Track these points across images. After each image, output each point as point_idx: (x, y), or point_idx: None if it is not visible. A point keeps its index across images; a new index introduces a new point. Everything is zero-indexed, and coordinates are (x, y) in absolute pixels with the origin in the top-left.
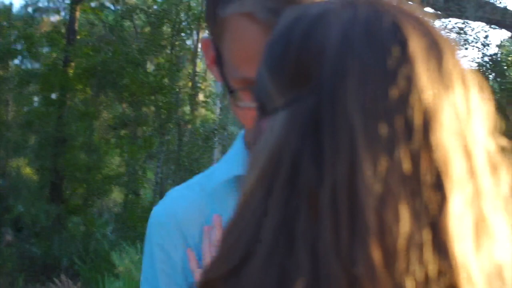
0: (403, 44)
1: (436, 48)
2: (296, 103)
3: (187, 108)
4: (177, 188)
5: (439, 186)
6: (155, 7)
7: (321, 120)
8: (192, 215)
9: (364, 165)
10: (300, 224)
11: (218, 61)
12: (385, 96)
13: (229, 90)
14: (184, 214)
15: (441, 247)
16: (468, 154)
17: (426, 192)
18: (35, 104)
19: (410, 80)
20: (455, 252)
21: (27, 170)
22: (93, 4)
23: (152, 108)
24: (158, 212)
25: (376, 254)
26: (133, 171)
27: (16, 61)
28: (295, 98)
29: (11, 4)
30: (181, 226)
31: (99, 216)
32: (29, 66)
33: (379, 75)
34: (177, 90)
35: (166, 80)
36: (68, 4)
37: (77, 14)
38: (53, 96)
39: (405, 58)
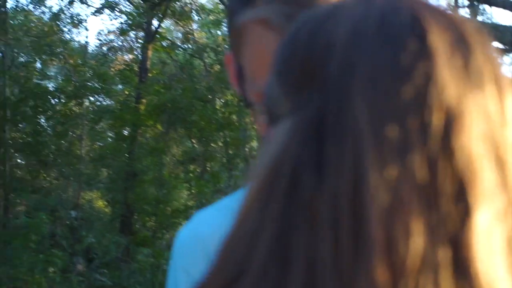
0: (422, 38)
1: (464, 43)
2: (301, 107)
3: (254, 144)
4: (205, 210)
5: (462, 197)
6: (224, 46)
7: (325, 124)
8: (219, 239)
9: (370, 172)
10: (297, 238)
11: (239, 75)
12: (398, 95)
13: (249, 104)
14: (211, 237)
15: (463, 267)
16: (500, 163)
17: (445, 204)
18: (108, 139)
19: (429, 77)
20: (479, 273)
21: (99, 203)
22: (164, 44)
23: (220, 144)
24: (184, 235)
25: (381, 274)
26: (201, 205)
27: (91, 98)
28: (299, 102)
29: (87, 43)
30: (207, 250)
31: (167, 248)
32: (102, 102)
33: (393, 71)
34: (245, 126)
35: (234, 117)
36: (141, 43)
37: (149, 53)
38: (125, 132)
39: (424, 53)
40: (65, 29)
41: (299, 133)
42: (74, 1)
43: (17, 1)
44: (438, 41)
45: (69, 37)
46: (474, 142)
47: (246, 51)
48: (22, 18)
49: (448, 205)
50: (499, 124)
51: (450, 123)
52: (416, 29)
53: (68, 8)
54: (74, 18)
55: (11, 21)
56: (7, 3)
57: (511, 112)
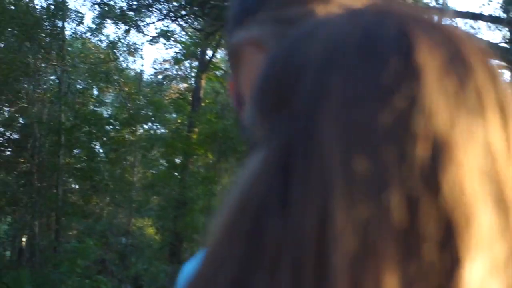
0: (407, 55)
1: (461, 62)
2: (272, 136)
3: None
4: None
5: (449, 244)
6: None
7: (293, 156)
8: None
9: (337, 213)
10: (256, 283)
11: (238, 102)
12: (375, 121)
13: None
14: None
15: None
16: (502, 204)
17: (428, 252)
18: (160, 167)
19: (414, 101)
20: None
21: (149, 230)
22: (218, 73)
23: None
24: (188, 269)
25: None
26: None
27: (144, 126)
28: (272, 130)
29: (142, 71)
30: None
31: None
32: (156, 130)
33: (370, 94)
34: None
35: None
36: (195, 72)
37: (203, 82)
38: (177, 160)
39: (409, 73)
40: (121, 57)
41: (267, 166)
42: (130, 30)
43: (75, 28)
44: (427, 59)
45: (125, 65)
46: (467, 179)
47: (241, 74)
48: (80, 45)
49: (431, 254)
50: (502, 159)
51: (438, 155)
52: (402, 46)
53: (125, 37)
54: (130, 46)
55: (69, 48)
56: (65, 31)
57: None
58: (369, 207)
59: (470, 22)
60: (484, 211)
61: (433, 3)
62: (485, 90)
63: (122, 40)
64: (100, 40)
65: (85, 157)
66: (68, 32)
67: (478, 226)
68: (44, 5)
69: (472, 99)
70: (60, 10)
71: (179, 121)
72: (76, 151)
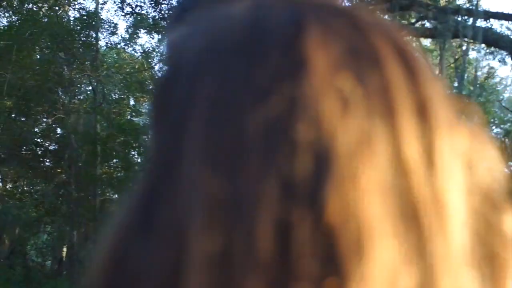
0: (291, 48)
1: (366, 55)
2: (149, 153)
3: None
4: None
5: (333, 283)
6: None
7: (161, 177)
8: None
9: (192, 244)
10: None
11: None
12: (243, 131)
13: None
14: None
15: None
16: (415, 227)
17: None
18: None
19: (294, 103)
20: None
21: None
22: None
23: None
24: None
25: None
26: None
27: None
28: (149, 146)
29: None
30: None
31: None
32: None
33: (241, 99)
34: None
35: None
36: None
37: None
38: None
39: (291, 69)
40: (155, 66)
41: (138, 189)
42: (164, 39)
43: (108, 38)
44: (317, 53)
45: (159, 74)
46: (362, 198)
47: None
48: (114, 55)
49: None
50: (418, 172)
51: (323, 169)
52: (288, 38)
53: (159, 46)
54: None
55: (103, 59)
56: (99, 41)
57: (448, 155)
58: (230, 236)
59: (506, 23)
60: (386, 237)
61: (466, 5)
62: (395, 88)
63: (156, 50)
64: (134, 50)
65: (121, 167)
66: (102, 42)
67: (374, 258)
68: (77, 15)
69: (375, 100)
70: (93, 21)
71: None
72: (113, 160)
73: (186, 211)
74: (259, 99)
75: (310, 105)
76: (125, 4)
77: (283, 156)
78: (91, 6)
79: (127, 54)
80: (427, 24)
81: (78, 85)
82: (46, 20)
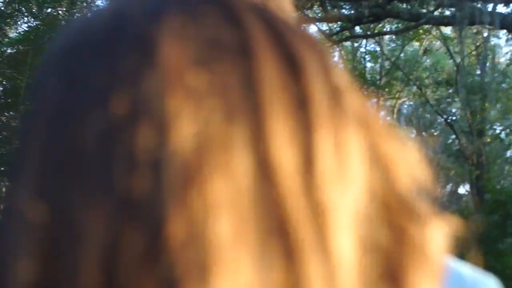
0: (141, 42)
1: (235, 46)
2: None
3: None
4: None
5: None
6: None
7: (6, 193)
8: None
9: (9, 275)
10: None
11: None
12: (71, 143)
13: None
14: None
15: None
16: (279, 248)
17: None
18: None
19: (135, 110)
20: None
21: None
22: None
23: None
24: None
25: None
26: None
27: None
28: None
29: None
30: None
31: None
32: None
33: (78, 107)
34: None
35: None
36: None
37: None
38: None
39: (138, 66)
40: None
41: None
42: None
43: None
44: (171, 47)
45: None
46: (212, 214)
47: None
48: None
49: None
50: (287, 180)
51: (163, 182)
52: (140, 32)
53: None
54: None
55: None
56: None
57: (334, 157)
58: (51, 268)
59: None
60: (237, 261)
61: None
62: (265, 83)
63: None
64: None
65: None
66: None
67: (219, 285)
68: None
69: (235, 98)
70: None
71: None
72: None
73: (12, 235)
74: (98, 102)
75: (154, 107)
76: None
77: (121, 168)
78: None
79: None
80: (447, 12)
81: None
82: (63, 23)
